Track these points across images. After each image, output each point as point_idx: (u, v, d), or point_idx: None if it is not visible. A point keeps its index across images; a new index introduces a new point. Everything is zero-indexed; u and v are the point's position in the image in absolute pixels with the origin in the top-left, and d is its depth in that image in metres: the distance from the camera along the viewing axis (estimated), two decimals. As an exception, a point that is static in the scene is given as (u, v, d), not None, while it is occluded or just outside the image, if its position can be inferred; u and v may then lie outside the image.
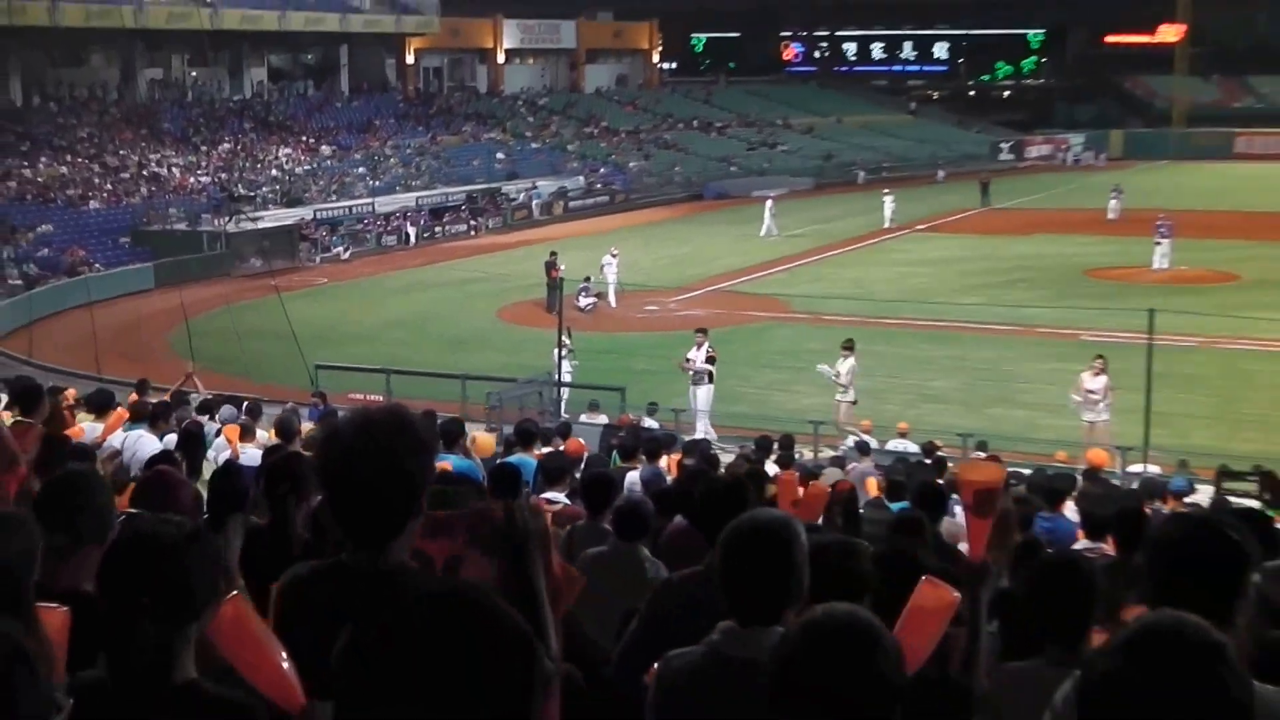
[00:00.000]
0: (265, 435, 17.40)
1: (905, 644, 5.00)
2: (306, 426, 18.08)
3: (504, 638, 2.70)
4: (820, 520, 10.11)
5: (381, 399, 28.10)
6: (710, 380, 32.24)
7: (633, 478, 15.20)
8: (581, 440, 21.79)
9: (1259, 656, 4.60)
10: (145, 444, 15.10)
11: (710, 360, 32.30)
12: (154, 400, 19.90)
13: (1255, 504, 10.07)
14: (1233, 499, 17.03)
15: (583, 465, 16.39)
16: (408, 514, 4.27)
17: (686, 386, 32.46)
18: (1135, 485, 20.24)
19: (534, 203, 77.84)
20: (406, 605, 2.82)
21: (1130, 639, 3.00)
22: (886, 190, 73.43)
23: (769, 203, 70.03)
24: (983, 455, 14.16)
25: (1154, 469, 24.75)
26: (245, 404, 21.07)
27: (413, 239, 68.41)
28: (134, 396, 20.57)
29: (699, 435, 28.62)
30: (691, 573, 5.99)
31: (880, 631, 3.57)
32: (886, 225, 68.84)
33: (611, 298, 47.82)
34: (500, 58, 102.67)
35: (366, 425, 4.26)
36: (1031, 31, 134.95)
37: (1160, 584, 4.50)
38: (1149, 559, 4.63)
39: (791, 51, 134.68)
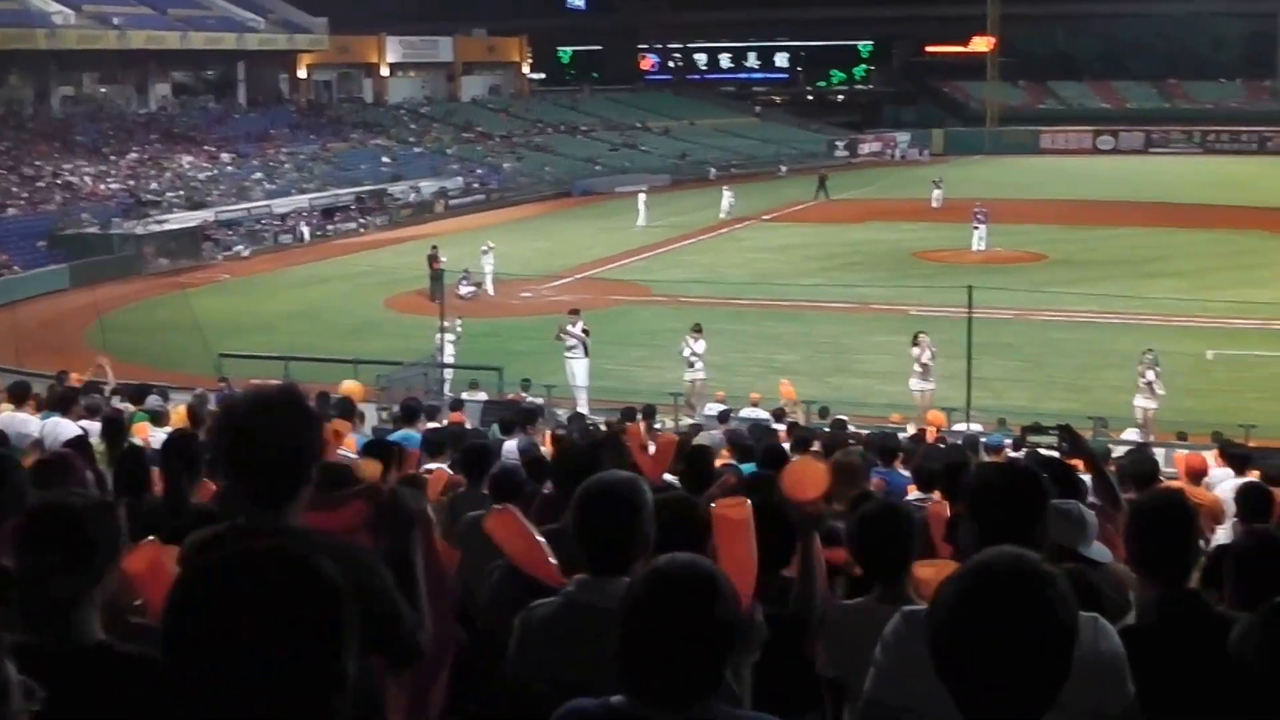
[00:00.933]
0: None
1: (727, 559, 4.96)
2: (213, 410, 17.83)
3: (309, 592, 2.60)
4: (670, 470, 10.09)
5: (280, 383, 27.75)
6: (586, 354, 32.21)
7: (509, 446, 15.10)
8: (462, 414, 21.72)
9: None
10: (63, 429, 14.79)
11: (585, 333, 32.29)
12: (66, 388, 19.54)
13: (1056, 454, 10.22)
14: (1041, 451, 17.34)
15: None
16: (299, 480, 4.20)
17: (560, 364, 32.40)
18: (959, 442, 20.45)
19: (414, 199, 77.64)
20: (219, 559, 2.73)
21: (972, 570, 2.99)
22: (726, 186, 73.50)
23: (642, 195, 70.04)
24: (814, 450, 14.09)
25: (976, 428, 25.01)
26: (153, 391, 20.79)
27: (307, 237, 67.64)
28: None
29: (581, 409, 28.65)
30: (548, 530, 5.89)
31: (718, 576, 3.52)
32: (722, 217, 68.61)
33: (489, 286, 47.54)
34: (385, 71, 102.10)
35: (260, 400, 4.21)
36: (861, 43, 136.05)
37: (977, 521, 4.47)
38: (968, 501, 4.60)
39: (649, 62, 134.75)
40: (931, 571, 5.62)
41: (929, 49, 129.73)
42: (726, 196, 70.54)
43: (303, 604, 2.56)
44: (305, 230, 68.21)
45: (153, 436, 14.88)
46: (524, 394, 28.51)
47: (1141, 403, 29.23)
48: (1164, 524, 5.10)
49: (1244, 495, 9.91)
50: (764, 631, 5.02)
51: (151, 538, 4.71)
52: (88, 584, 3.89)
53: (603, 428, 19.06)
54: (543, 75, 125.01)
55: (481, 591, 6.68)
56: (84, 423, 14.79)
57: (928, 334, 31.06)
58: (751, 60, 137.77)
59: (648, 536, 4.71)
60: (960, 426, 25.80)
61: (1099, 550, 6.24)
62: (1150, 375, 29.18)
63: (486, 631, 6.02)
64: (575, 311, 33.61)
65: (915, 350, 30.78)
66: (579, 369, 32.11)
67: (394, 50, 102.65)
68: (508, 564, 5.83)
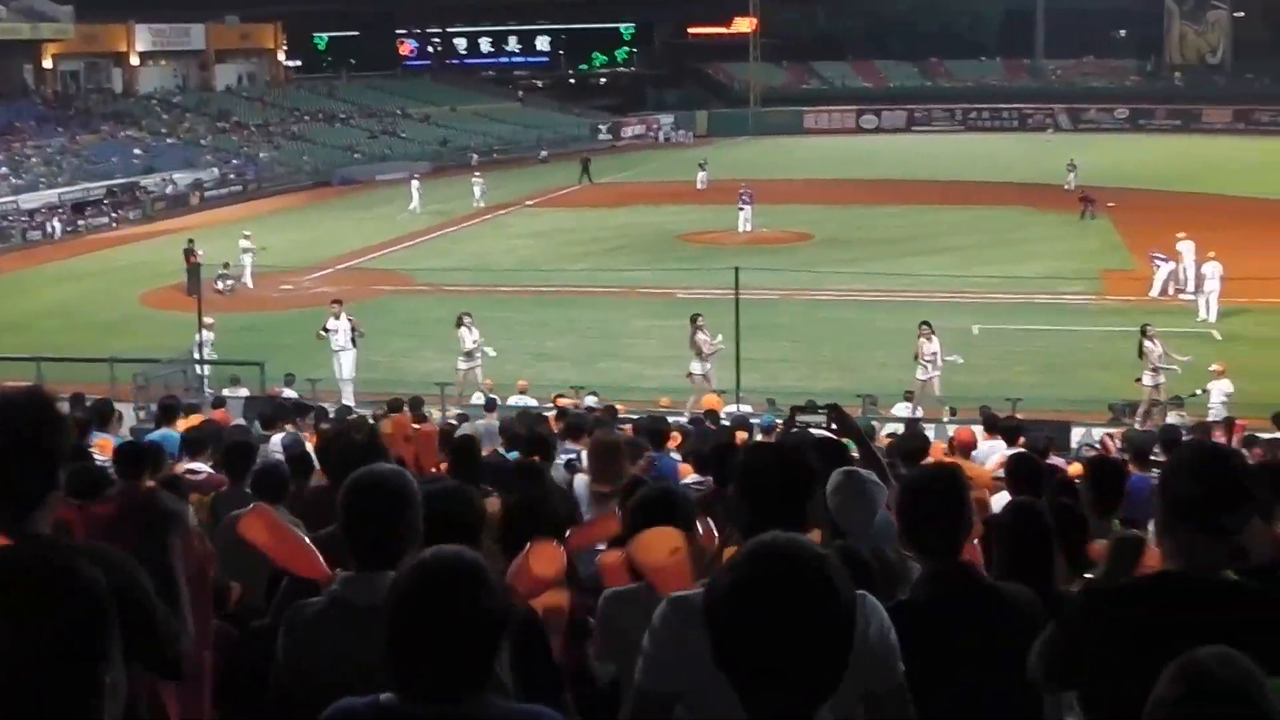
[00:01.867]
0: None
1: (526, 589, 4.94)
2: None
3: (67, 596, 2.51)
4: (438, 461, 10.03)
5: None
6: (354, 346, 31.88)
7: (274, 443, 14.88)
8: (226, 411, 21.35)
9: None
10: None
11: (352, 327, 31.93)
12: None
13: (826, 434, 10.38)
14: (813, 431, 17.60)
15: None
16: (46, 487, 4.04)
17: (326, 357, 32.00)
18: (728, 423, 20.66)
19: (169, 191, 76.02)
20: None
21: (748, 558, 2.98)
22: (477, 174, 72.89)
23: (415, 181, 69.31)
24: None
25: (747, 409, 25.29)
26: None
27: (58, 233, 65.63)
28: None
29: (347, 401, 28.38)
30: (326, 532, 5.80)
31: (484, 569, 3.49)
32: (476, 206, 68.05)
33: (249, 280, 46.73)
34: (134, 60, 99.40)
35: (3, 404, 4.06)
36: (623, 25, 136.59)
37: (748, 501, 4.49)
38: (736, 483, 4.61)
39: (407, 48, 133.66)
40: (614, 557, 5.66)
41: (691, 31, 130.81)
42: (478, 184, 69.95)
43: (61, 608, 2.48)
44: (56, 226, 66.20)
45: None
46: (287, 389, 28.10)
47: (924, 375, 29.80)
48: (933, 499, 5.18)
49: (1013, 467, 10.15)
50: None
51: None
52: None
53: (371, 420, 18.89)
54: (299, 62, 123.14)
55: (250, 590, 6.58)
56: None
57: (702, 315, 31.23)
58: (512, 44, 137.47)
59: (416, 530, 4.65)
60: (731, 408, 26.07)
61: (884, 523, 6.33)
62: (930, 348, 29.77)
63: (260, 631, 5.91)
64: (338, 303, 33.25)
65: (691, 332, 30.90)
66: (346, 361, 31.76)
67: (143, 39, 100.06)
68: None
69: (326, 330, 32.04)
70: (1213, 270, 37.94)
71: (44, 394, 4.27)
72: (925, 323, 30.33)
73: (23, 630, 2.45)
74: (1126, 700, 3.68)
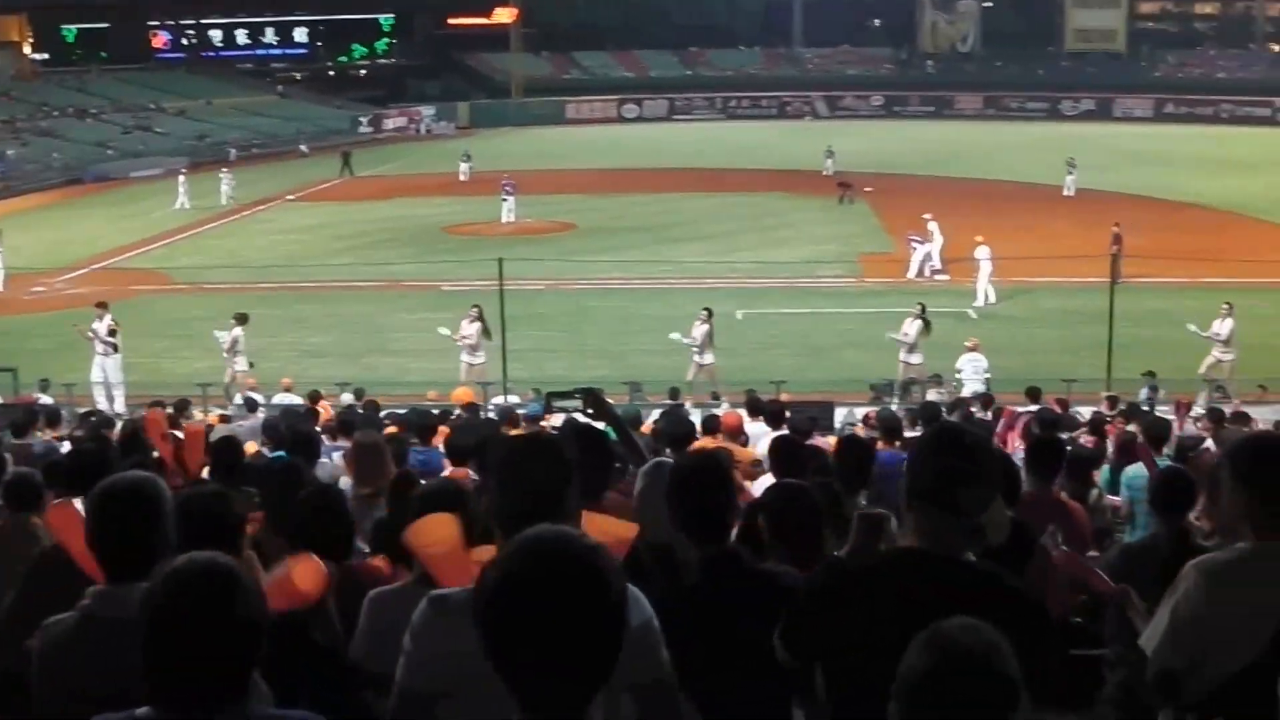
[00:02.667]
0: None
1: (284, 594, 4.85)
2: None
3: None
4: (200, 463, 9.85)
5: None
6: (116, 351, 31.07)
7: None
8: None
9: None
10: None
11: (112, 332, 31.09)
12: None
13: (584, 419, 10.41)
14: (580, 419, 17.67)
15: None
16: None
17: (79, 360, 31.19)
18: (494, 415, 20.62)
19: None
20: None
21: (515, 552, 2.96)
22: (224, 170, 71.16)
23: (181, 176, 67.71)
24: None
25: (514, 399, 25.28)
26: None
27: None
28: None
29: (119, 408, 27.81)
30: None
31: (238, 574, 3.42)
32: (225, 204, 66.08)
33: (-1, 283, 45.28)
34: None
35: None
36: (382, 16, 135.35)
37: (502, 492, 4.46)
38: (492, 475, 4.58)
39: (161, 40, 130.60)
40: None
41: (451, 20, 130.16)
42: (225, 181, 68.14)
43: None
44: None
45: None
46: (41, 394, 27.31)
47: (700, 360, 30.07)
48: (700, 484, 5.22)
49: (775, 449, 10.27)
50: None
51: None
52: None
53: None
54: (46, 55, 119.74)
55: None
56: None
57: (480, 307, 31.06)
58: (269, 35, 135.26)
59: (167, 539, 4.53)
60: (498, 399, 26.05)
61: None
62: (698, 334, 30.06)
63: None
64: (102, 305, 32.36)
65: (464, 323, 30.76)
66: (110, 364, 30.97)
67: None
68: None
69: (92, 332, 31.17)
70: (984, 254, 38.78)
71: None
72: (706, 308, 30.68)
73: None
74: (865, 674, 3.76)
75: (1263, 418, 19.99)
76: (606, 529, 4.54)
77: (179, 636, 3.33)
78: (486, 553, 4.98)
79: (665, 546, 5.49)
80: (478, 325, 30.39)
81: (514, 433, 14.24)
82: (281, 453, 11.89)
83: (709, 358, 30.29)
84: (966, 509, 4.30)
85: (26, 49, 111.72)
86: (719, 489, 5.28)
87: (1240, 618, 4.70)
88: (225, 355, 30.78)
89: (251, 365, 30.42)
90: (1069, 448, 11.84)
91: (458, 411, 20.25)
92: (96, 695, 4.21)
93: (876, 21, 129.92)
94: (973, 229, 41.85)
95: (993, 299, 38.42)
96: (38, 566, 6.05)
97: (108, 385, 30.52)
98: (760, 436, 15.89)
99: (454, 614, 4.10)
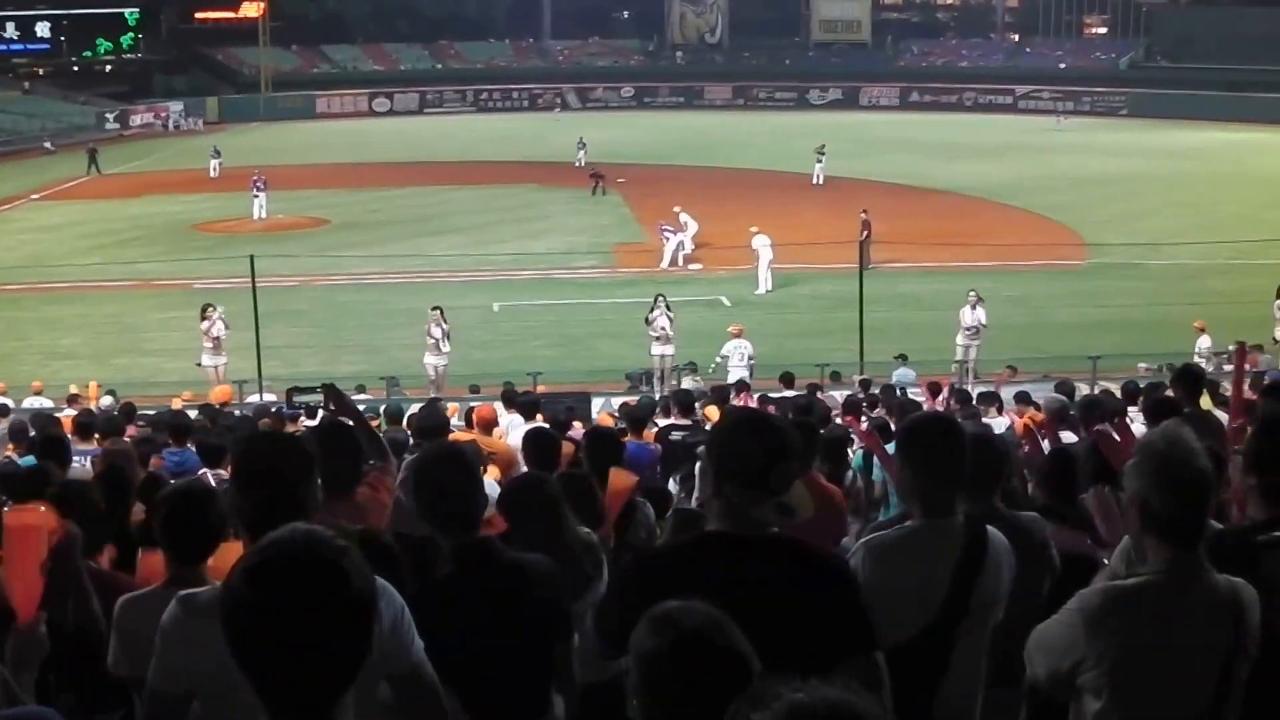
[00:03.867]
0: None
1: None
2: None
3: None
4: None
5: None
6: None
7: None
8: None
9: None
10: None
11: None
12: None
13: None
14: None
15: None
16: None
17: None
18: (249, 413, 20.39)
19: None
20: None
21: (260, 551, 2.97)
22: None
23: None
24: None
25: (270, 398, 25.03)
26: None
27: None
28: None
29: None
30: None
31: None
32: None
33: None
34: None
35: None
36: (128, 10, 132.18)
37: (242, 493, 4.46)
38: (231, 477, 4.58)
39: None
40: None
41: (199, 15, 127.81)
42: None
43: None
44: None
45: None
46: None
47: (431, 359, 30.00)
48: (447, 477, 5.27)
49: (528, 441, 10.31)
50: (45, 648, 4.75)
51: None
52: None
53: None
54: None
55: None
56: None
57: (216, 306, 30.64)
58: (10, 30, 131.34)
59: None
60: (254, 398, 25.75)
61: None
62: (437, 332, 29.98)
63: None
64: None
65: (204, 324, 30.34)
66: None
67: None
68: None
69: None
70: (762, 242, 39.17)
71: None
72: (436, 307, 30.59)
73: None
74: None
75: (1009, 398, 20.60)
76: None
77: None
78: (233, 551, 4.98)
79: (420, 539, 5.54)
80: (220, 324, 30.07)
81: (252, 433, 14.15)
82: (31, 457, 11.64)
83: (213, 358, 30.30)
84: (776, 486, 4.45)
85: None
86: (461, 478, 5.33)
87: (905, 592, 4.96)
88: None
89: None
90: (821, 431, 12.08)
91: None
92: None
93: (625, 14, 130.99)
94: (725, 218, 42.43)
95: (769, 286, 38.90)
96: None
97: None
98: (514, 428, 15.95)
99: (203, 613, 4.10)
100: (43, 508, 4.90)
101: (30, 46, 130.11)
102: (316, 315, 37.33)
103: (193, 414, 18.37)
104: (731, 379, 26.11)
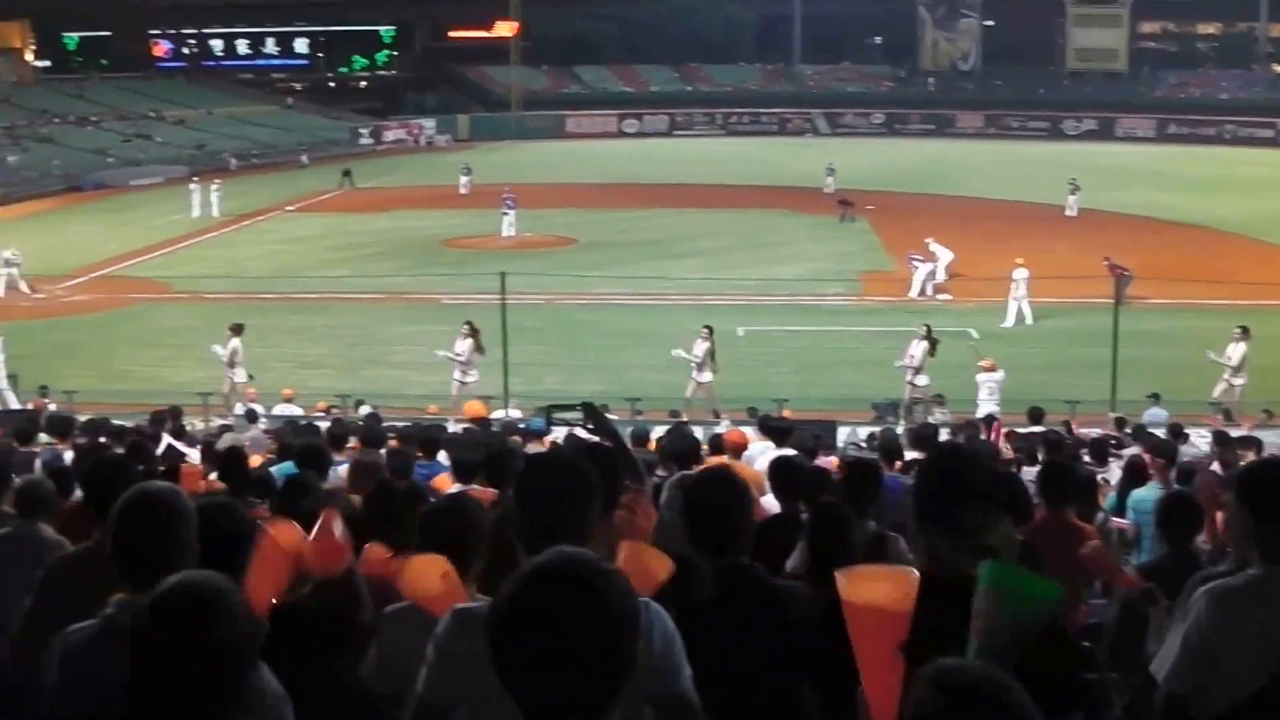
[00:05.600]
0: None
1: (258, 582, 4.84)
2: None
3: None
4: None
5: None
6: None
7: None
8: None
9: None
10: None
11: None
12: None
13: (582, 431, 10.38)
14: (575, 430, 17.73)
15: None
16: None
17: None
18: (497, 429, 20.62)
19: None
20: None
21: (528, 572, 3.00)
22: (215, 181, 70.19)
23: (214, 184, 67.64)
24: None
25: (516, 413, 25.28)
26: None
27: None
28: None
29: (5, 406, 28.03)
30: (82, 547, 5.63)
31: (226, 594, 3.42)
32: (216, 216, 65.50)
33: (23, 286, 44.82)
34: None
35: None
36: (383, 28, 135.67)
37: (524, 511, 4.48)
38: (515, 493, 4.60)
39: (161, 49, 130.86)
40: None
41: (452, 33, 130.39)
42: (216, 190, 67.44)
43: None
44: None
45: None
46: (45, 400, 27.34)
47: (698, 377, 30.06)
48: (715, 499, 5.25)
49: (775, 469, 10.20)
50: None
51: None
52: None
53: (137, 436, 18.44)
54: (48, 62, 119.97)
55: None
56: None
57: (472, 323, 31.10)
58: (270, 46, 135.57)
59: (188, 549, 4.56)
60: (499, 413, 26.04)
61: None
62: (700, 350, 30.05)
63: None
64: None
65: (459, 342, 30.82)
66: None
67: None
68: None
69: None
70: (1020, 275, 38.63)
71: None
72: (706, 326, 30.68)
73: None
74: None
75: (1271, 441, 19.98)
76: (642, 562, 4.56)
77: (159, 657, 3.33)
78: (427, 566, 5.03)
79: (684, 560, 5.51)
80: (470, 341, 30.44)
81: (535, 449, 14.27)
82: (289, 464, 11.89)
83: (707, 375, 30.27)
84: (968, 529, 4.33)
85: (28, 56, 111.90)
86: (733, 503, 5.33)
87: (1250, 642, 4.75)
88: (225, 367, 30.80)
89: (251, 377, 30.40)
90: (1078, 472, 11.80)
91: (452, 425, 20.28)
92: (113, 703, 4.23)
93: (877, 39, 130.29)
94: (975, 248, 41.87)
95: (1029, 320, 38.31)
96: (52, 575, 6.04)
97: None
98: (761, 454, 15.88)
99: (477, 627, 4.13)
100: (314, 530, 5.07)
101: (289, 62, 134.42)
102: (559, 333, 37.70)
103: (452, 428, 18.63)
104: (980, 413, 25.72)
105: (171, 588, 3.41)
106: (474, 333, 30.45)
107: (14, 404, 28.97)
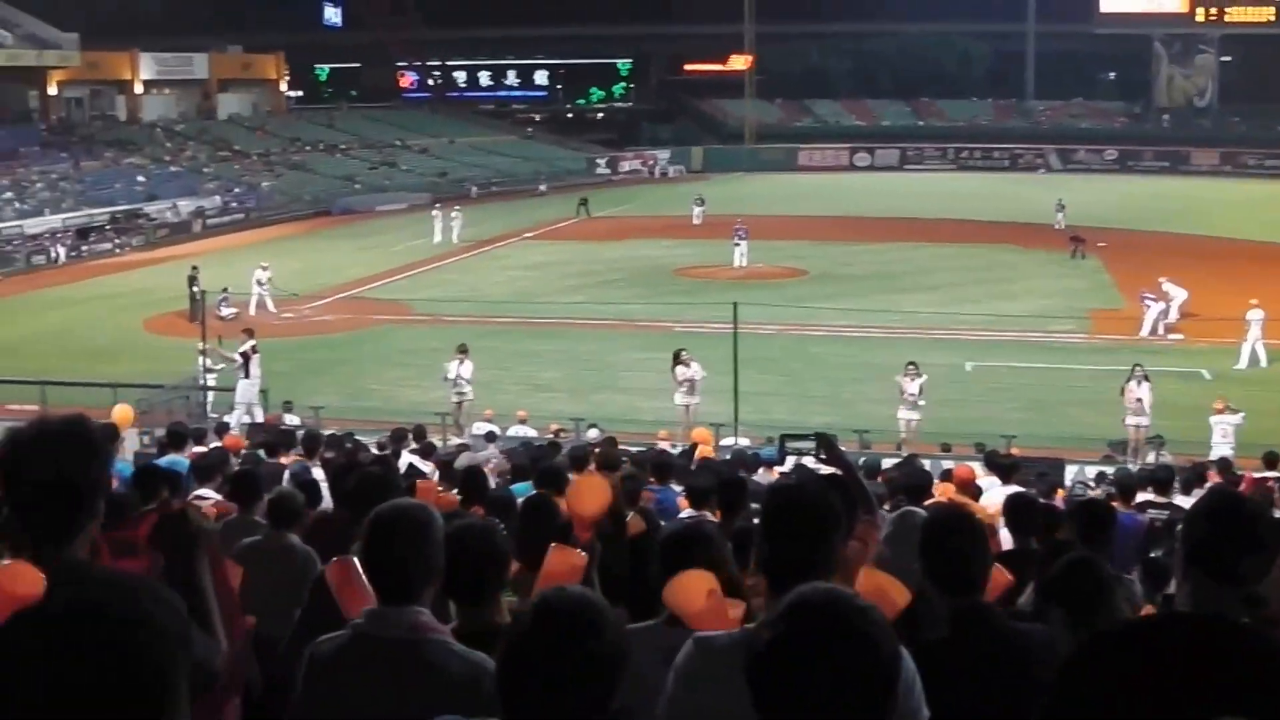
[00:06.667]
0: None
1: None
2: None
3: (119, 646, 2.42)
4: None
5: (37, 409, 26.90)
6: (246, 375, 32.38)
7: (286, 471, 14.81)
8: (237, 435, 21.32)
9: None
10: None
11: (246, 357, 32.52)
12: None
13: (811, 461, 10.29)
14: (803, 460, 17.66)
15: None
16: (83, 514, 4.01)
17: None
18: (728, 456, 20.60)
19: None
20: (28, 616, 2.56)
21: (790, 608, 2.97)
22: (455, 208, 71.38)
23: (454, 211, 69.21)
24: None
25: (745, 441, 25.26)
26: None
27: (61, 258, 65.34)
28: None
29: (252, 420, 28.62)
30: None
31: (604, 609, 3.45)
32: (454, 242, 66.71)
33: (270, 305, 46.48)
34: (138, 88, 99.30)
35: (43, 431, 4.03)
36: (620, 61, 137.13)
37: (770, 542, 4.46)
38: (761, 523, 4.59)
39: (407, 80, 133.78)
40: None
41: (687, 67, 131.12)
42: (455, 218, 68.60)
43: (116, 660, 2.39)
44: (60, 251, 65.96)
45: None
46: (288, 415, 28.05)
47: (905, 414, 29.84)
48: (956, 538, 5.19)
49: (1012, 506, 10.09)
50: None
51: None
52: None
53: (374, 450, 18.83)
54: (300, 93, 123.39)
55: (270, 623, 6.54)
56: None
57: (687, 350, 31.27)
58: (511, 78, 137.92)
59: (437, 566, 4.62)
60: (728, 441, 26.05)
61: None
62: (913, 387, 29.81)
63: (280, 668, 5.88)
64: (249, 332, 34.06)
65: (680, 369, 30.98)
66: (240, 389, 32.26)
67: (148, 67, 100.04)
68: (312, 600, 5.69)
69: (240, 356, 32.39)
70: (1254, 316, 37.59)
71: (83, 422, 4.22)
72: (911, 363, 30.40)
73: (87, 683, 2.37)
74: None
75: None
76: (882, 590, 4.53)
77: (539, 667, 3.36)
78: (735, 607, 5.00)
79: (917, 597, 5.46)
80: (695, 365, 30.74)
81: (781, 482, 14.25)
82: (525, 484, 12.03)
83: (684, 399, 30.78)
84: (1243, 576, 4.21)
85: (282, 86, 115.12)
86: (972, 542, 5.26)
87: None
88: (453, 387, 31.41)
89: (468, 395, 31.13)
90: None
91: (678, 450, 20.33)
92: (361, 712, 4.31)
93: (1110, 75, 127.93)
94: (1209, 288, 40.85)
95: (1263, 362, 37.24)
96: (319, 587, 6.18)
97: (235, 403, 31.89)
98: (991, 490, 15.68)
99: (719, 656, 4.14)
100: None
101: (529, 94, 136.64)
102: (787, 364, 37.63)
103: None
104: (1214, 455, 25.06)
105: (550, 600, 3.44)
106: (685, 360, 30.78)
107: (260, 418, 29.73)
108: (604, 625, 3.40)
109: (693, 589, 4.90)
